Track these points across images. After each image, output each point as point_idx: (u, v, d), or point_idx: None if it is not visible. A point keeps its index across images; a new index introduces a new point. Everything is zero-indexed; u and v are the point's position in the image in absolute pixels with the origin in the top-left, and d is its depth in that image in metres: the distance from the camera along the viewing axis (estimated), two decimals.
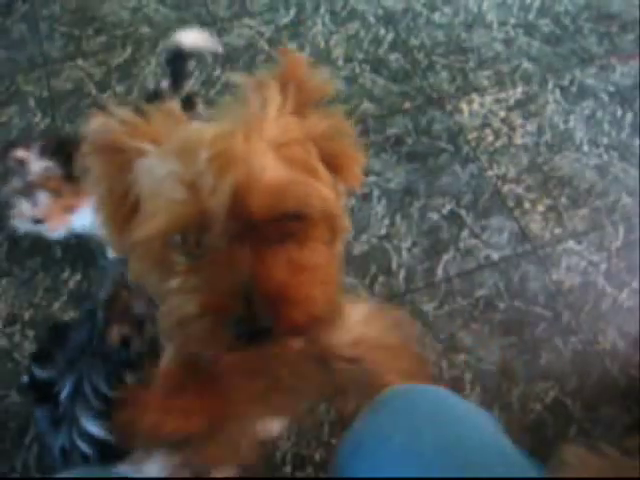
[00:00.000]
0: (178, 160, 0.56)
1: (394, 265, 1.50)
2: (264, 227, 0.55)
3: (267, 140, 0.57)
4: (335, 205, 0.62)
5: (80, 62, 1.84)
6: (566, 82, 1.80)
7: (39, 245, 1.54)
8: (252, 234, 0.54)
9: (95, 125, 0.61)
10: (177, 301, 0.56)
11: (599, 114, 1.74)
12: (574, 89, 1.79)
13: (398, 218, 1.57)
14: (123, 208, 0.61)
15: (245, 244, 0.54)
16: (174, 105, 0.64)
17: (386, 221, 1.56)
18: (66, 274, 1.50)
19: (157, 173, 0.57)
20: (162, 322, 0.58)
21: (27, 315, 1.45)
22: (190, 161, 0.54)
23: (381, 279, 1.48)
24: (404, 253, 1.52)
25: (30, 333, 1.43)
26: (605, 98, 1.77)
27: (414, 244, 1.53)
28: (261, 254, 0.54)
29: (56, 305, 1.46)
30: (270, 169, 0.55)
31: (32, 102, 1.77)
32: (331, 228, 0.62)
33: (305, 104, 0.62)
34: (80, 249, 1.53)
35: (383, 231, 1.55)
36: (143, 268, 0.60)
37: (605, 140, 1.70)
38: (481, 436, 0.58)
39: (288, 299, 0.54)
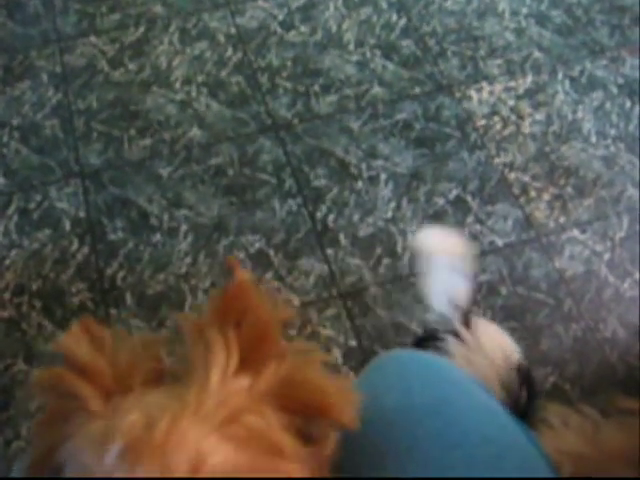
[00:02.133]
0: (90, 452, 0.45)
1: (399, 248, 1.51)
2: None
3: (206, 419, 0.45)
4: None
5: (93, 39, 1.85)
6: (576, 73, 1.80)
7: (48, 218, 1.55)
8: None
9: (67, 343, 0.51)
10: None
11: (608, 105, 1.75)
12: (584, 80, 1.79)
13: (404, 202, 1.58)
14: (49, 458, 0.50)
15: None
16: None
17: (392, 204, 1.57)
18: (74, 247, 1.52)
19: (76, 461, 0.47)
20: None
21: (35, 286, 1.47)
22: (101, 454, 0.44)
23: (386, 261, 1.49)
24: (409, 236, 1.53)
25: (37, 304, 1.45)
26: (614, 90, 1.77)
27: (420, 228, 1.54)
28: None
29: (64, 277, 1.48)
30: (208, 455, 0.43)
31: (45, 77, 1.78)
32: None
33: (257, 345, 0.51)
34: (89, 223, 1.55)
35: (389, 214, 1.56)
36: None
37: (613, 131, 1.70)
38: (471, 397, 0.59)
39: None
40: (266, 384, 0.49)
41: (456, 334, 1.06)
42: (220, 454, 0.44)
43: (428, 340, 1.07)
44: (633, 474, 0.63)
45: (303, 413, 0.50)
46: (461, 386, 0.61)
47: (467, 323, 1.10)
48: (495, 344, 1.08)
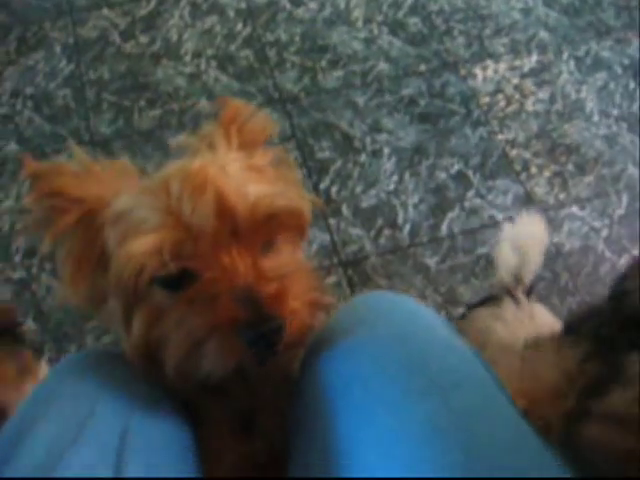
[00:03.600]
0: (151, 194, 0.58)
1: (400, 219, 1.55)
2: (246, 236, 0.57)
3: (229, 165, 0.60)
4: (303, 204, 0.64)
5: (106, 12, 1.88)
6: (581, 53, 1.82)
7: None
8: (237, 245, 0.56)
9: (46, 184, 0.61)
10: (182, 330, 0.55)
11: (611, 86, 1.76)
12: (589, 60, 1.81)
13: (407, 175, 1.61)
14: (89, 259, 0.61)
15: (233, 254, 0.56)
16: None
17: (395, 177, 1.60)
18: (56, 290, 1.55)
19: (134, 211, 0.58)
20: (169, 358, 0.57)
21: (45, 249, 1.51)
22: (163, 192, 0.56)
23: (387, 232, 1.53)
24: (410, 209, 1.56)
25: (47, 266, 1.49)
26: (619, 70, 1.79)
27: (421, 201, 1.57)
28: (250, 261, 0.56)
29: None
30: (242, 183, 0.58)
31: (58, 48, 1.82)
32: (300, 227, 0.65)
33: (248, 145, 0.66)
34: None
35: (392, 187, 1.59)
36: (122, 313, 0.60)
37: (615, 111, 1.72)
38: (434, 331, 0.62)
39: (287, 295, 0.56)
40: (260, 160, 0.65)
41: (514, 297, 1.12)
42: (254, 184, 0.59)
43: (490, 300, 1.15)
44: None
45: None
46: (425, 321, 0.63)
47: (528, 294, 1.15)
48: (546, 317, 1.13)
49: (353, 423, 0.53)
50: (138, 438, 0.55)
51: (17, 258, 1.50)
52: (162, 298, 0.57)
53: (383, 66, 1.78)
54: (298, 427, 0.62)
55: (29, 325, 1.43)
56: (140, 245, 0.54)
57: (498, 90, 1.75)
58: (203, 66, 1.77)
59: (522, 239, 1.15)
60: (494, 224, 1.55)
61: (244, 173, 0.61)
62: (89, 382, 0.60)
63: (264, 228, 0.59)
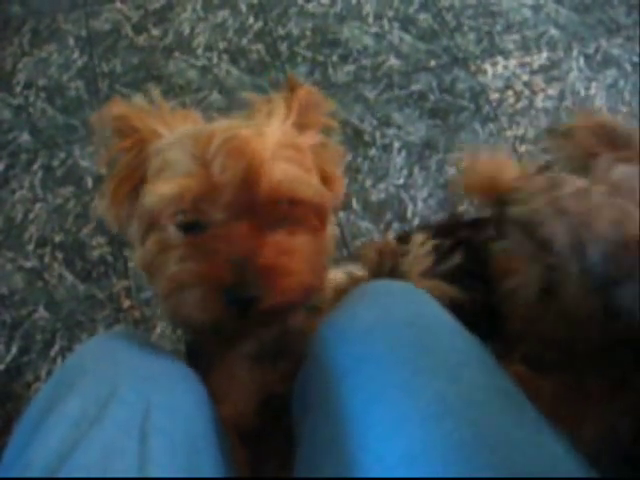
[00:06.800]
0: (193, 142, 0.65)
1: (409, 214, 1.56)
2: (262, 209, 0.64)
3: (271, 137, 0.67)
4: (324, 197, 0.71)
5: (118, 5, 1.90)
6: (591, 50, 1.83)
7: (72, 175, 1.61)
8: (251, 215, 0.64)
9: (116, 110, 0.73)
10: (176, 269, 0.64)
11: (621, 83, 1.77)
12: (598, 58, 1.82)
13: (416, 170, 1.62)
14: (131, 181, 0.72)
15: (243, 222, 0.63)
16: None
17: (404, 172, 1.61)
18: (95, 203, 1.57)
19: (172, 151, 0.66)
20: (160, 288, 0.67)
21: (57, 238, 1.53)
22: (204, 144, 0.64)
23: (395, 225, 1.54)
24: (420, 203, 1.57)
25: (59, 255, 1.51)
26: (629, 68, 1.80)
27: (430, 195, 1.58)
28: (256, 232, 0.63)
29: (85, 231, 1.54)
30: (274, 159, 0.65)
31: (71, 41, 1.83)
32: (320, 217, 0.71)
33: (306, 124, 0.74)
34: None
35: (401, 181, 1.60)
36: (143, 239, 0.70)
37: (624, 109, 1.73)
38: (441, 318, 0.63)
39: (277, 272, 0.62)
40: (308, 139, 0.74)
41: None
42: (287, 164, 0.66)
43: None
44: None
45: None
46: (433, 308, 0.65)
47: None
48: None
49: (363, 400, 0.54)
50: (161, 413, 0.57)
51: (30, 247, 1.52)
52: (172, 235, 0.66)
53: (393, 61, 1.79)
54: (306, 405, 0.63)
55: (41, 314, 1.44)
56: (167, 188, 0.63)
57: (508, 86, 1.76)
58: (215, 59, 1.79)
59: None
60: None
61: (283, 150, 0.67)
62: (110, 363, 0.62)
63: (280, 207, 0.66)
